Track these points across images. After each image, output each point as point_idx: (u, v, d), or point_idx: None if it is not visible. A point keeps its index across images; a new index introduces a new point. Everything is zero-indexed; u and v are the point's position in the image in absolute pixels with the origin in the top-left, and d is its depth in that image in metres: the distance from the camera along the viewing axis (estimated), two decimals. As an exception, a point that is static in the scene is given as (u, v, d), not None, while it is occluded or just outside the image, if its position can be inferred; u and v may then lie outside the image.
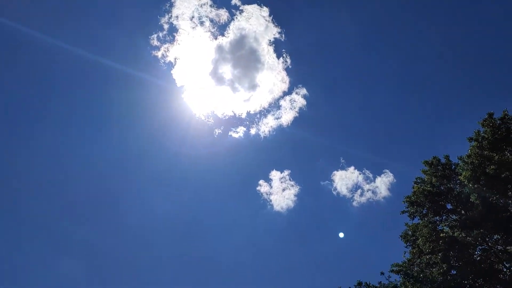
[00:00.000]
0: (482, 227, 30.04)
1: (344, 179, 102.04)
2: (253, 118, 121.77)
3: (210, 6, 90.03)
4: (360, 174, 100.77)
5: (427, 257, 31.91)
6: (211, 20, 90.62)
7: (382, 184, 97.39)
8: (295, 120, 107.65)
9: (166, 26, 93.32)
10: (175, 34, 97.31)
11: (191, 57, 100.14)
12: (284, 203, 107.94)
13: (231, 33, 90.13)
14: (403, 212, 36.01)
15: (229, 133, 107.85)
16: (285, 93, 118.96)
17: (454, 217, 33.03)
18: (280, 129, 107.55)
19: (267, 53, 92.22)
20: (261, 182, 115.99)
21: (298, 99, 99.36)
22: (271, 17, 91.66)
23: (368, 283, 48.09)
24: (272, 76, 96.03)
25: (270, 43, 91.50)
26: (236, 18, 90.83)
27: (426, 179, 34.70)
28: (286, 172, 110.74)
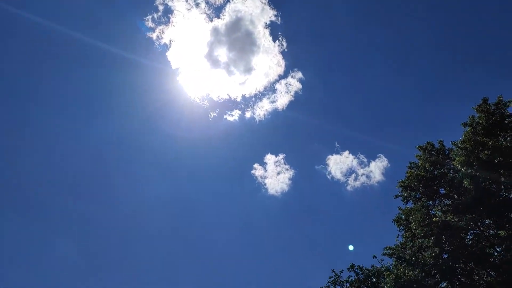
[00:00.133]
0: (474, 211, 30.37)
1: (338, 163, 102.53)
2: (248, 102, 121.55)
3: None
4: (354, 158, 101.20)
5: (420, 241, 32.27)
6: (207, 2, 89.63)
7: (377, 168, 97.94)
8: (291, 104, 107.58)
9: (161, 8, 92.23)
10: (170, 15, 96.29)
11: (186, 39, 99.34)
12: (279, 186, 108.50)
13: (227, 15, 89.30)
14: (396, 196, 36.37)
15: (224, 117, 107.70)
16: (281, 77, 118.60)
17: (447, 201, 33.36)
18: (275, 113, 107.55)
19: (263, 36, 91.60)
20: (255, 165, 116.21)
21: (294, 82, 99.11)
22: (267, 0, 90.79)
23: (360, 266, 48.66)
24: (268, 59, 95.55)
25: (266, 26, 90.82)
26: (232, 0, 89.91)
27: (420, 164, 34.91)
28: (281, 156, 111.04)
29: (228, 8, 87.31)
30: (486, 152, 30.55)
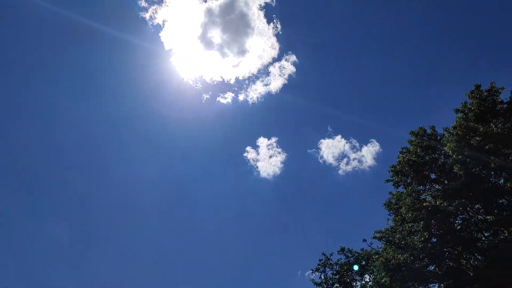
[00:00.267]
0: (464, 197, 30.70)
1: (330, 148, 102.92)
2: (241, 84, 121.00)
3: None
4: (347, 142, 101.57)
5: (409, 225, 32.62)
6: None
7: (368, 153, 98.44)
8: (284, 87, 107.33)
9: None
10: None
11: (179, 19, 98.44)
12: (271, 170, 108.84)
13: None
14: (387, 181, 36.58)
15: (217, 99, 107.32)
16: (275, 60, 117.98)
17: (437, 186, 33.65)
18: (268, 96, 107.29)
19: (257, 18, 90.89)
20: (248, 148, 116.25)
21: (288, 66, 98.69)
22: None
23: (350, 249, 49.29)
24: (262, 41, 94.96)
25: (261, 7, 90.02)
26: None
27: (411, 149, 35.11)
28: (273, 139, 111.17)
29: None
30: (477, 138, 30.81)
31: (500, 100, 32.14)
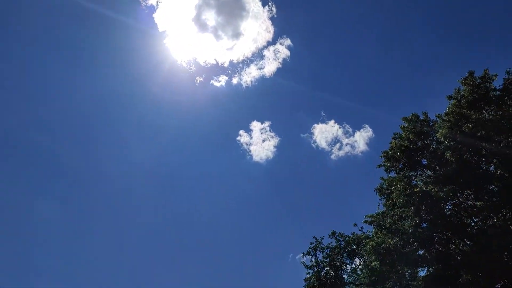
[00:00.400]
0: (454, 183, 30.97)
1: (324, 132, 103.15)
2: (235, 67, 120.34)
3: None
4: (340, 127, 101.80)
5: (400, 210, 32.91)
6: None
7: (361, 138, 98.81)
8: (278, 71, 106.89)
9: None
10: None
11: (173, 1, 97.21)
12: (264, 154, 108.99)
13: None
14: (379, 166, 36.75)
15: (211, 82, 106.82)
16: (269, 43, 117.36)
17: (428, 172, 33.90)
18: (262, 80, 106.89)
19: (253, 1, 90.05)
20: (241, 132, 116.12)
21: (282, 49, 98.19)
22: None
23: (341, 233, 49.68)
24: (257, 25, 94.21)
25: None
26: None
27: (403, 135, 35.25)
28: (266, 123, 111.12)
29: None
30: (469, 125, 30.98)
31: (493, 87, 32.25)
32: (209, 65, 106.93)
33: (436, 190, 31.50)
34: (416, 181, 34.27)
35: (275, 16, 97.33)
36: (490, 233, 28.35)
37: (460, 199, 32.74)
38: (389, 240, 33.10)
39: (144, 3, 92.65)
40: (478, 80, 32.45)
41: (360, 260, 47.43)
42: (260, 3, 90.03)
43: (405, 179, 33.57)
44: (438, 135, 32.31)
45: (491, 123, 30.26)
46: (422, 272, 36.06)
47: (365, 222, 37.24)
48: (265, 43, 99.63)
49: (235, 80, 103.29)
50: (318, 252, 49.28)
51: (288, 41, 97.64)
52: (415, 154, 34.33)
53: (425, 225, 32.14)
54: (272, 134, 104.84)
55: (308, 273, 49.02)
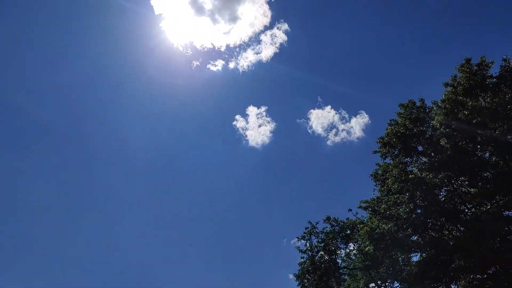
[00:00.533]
0: (449, 169, 31.13)
1: (320, 118, 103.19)
2: (232, 52, 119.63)
3: None
4: (336, 113, 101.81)
5: (395, 196, 33.11)
6: None
7: (357, 125, 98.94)
8: (275, 56, 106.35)
9: None
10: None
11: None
12: (260, 139, 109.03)
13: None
14: (375, 152, 36.72)
15: (207, 66, 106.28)
16: (266, 28, 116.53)
17: (424, 159, 34.02)
18: (259, 64, 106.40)
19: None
20: (237, 117, 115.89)
21: (279, 34, 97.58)
22: None
23: (336, 218, 50.10)
24: (254, 9, 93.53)
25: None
26: None
27: (400, 122, 35.24)
28: (263, 108, 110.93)
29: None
30: (465, 112, 31.04)
31: (489, 74, 32.22)
32: (205, 49, 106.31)
33: (431, 176, 31.68)
34: (411, 167, 34.42)
35: (273, 0, 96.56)
36: (483, 219, 28.63)
37: (455, 186, 32.96)
38: (383, 225, 33.38)
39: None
40: (475, 67, 32.41)
41: (354, 245, 47.94)
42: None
43: (400, 166, 33.71)
44: (434, 122, 32.37)
45: (487, 110, 30.32)
46: (416, 257, 36.53)
47: (360, 207, 37.47)
48: (262, 28, 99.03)
49: (231, 65, 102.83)
50: (313, 237, 49.79)
51: (285, 26, 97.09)
52: (411, 141, 34.40)
53: (419, 211, 32.38)
54: (268, 119, 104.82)
55: (303, 257, 49.59)
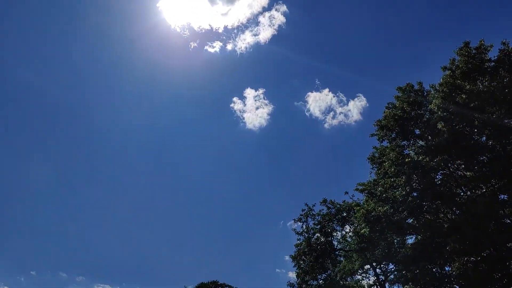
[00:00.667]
0: (446, 153, 31.21)
1: (318, 101, 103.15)
2: (230, 33, 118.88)
3: None
4: (334, 96, 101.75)
5: (391, 179, 33.26)
6: None
7: (355, 108, 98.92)
8: (273, 38, 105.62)
9: None
10: None
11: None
12: (257, 121, 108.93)
13: None
14: (372, 135, 36.65)
15: (205, 47, 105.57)
16: (265, 9, 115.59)
17: (421, 142, 34.08)
18: (257, 46, 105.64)
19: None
20: (235, 99, 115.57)
21: (278, 16, 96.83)
22: None
23: (332, 200, 50.41)
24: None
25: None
26: None
27: (397, 105, 35.19)
28: (260, 91, 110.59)
29: None
30: (463, 96, 31.02)
31: (488, 58, 32.09)
32: (203, 31, 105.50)
33: (427, 160, 31.78)
34: (408, 150, 34.50)
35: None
36: (478, 202, 28.84)
37: (451, 169, 33.12)
38: (379, 208, 33.61)
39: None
40: (474, 51, 32.26)
41: (350, 227, 48.35)
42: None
43: (397, 149, 33.80)
44: (431, 105, 32.34)
45: (485, 94, 30.31)
46: (411, 240, 36.89)
47: (357, 190, 37.67)
48: (260, 9, 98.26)
49: (229, 46, 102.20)
50: (309, 219, 50.17)
51: (284, 8, 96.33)
52: (408, 124, 34.41)
53: (415, 194, 32.58)
54: (266, 101, 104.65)
55: (299, 239, 50.01)
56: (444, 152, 31.31)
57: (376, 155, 36.34)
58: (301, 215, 50.32)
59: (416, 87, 35.58)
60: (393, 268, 42.06)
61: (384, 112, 35.75)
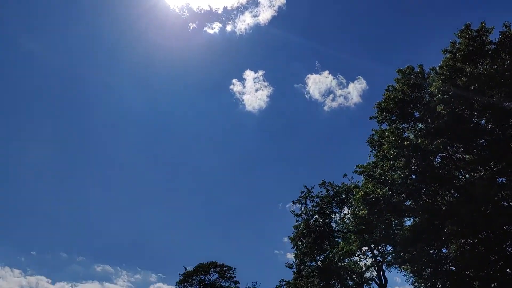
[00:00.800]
0: (445, 136, 31.21)
1: (317, 83, 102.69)
2: (229, 14, 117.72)
3: None
4: (334, 79, 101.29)
5: (391, 162, 33.33)
6: None
7: (355, 90, 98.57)
8: (273, 19, 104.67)
9: None
10: None
11: None
12: (256, 103, 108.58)
13: None
14: (372, 117, 36.49)
15: (204, 29, 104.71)
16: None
17: (420, 125, 34.03)
18: (257, 28, 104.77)
19: None
20: (234, 81, 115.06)
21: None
22: None
23: (331, 182, 50.57)
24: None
25: None
26: None
27: (397, 87, 35.04)
28: (260, 73, 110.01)
29: None
30: (463, 78, 30.88)
31: (489, 40, 31.85)
32: (202, 11, 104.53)
33: (426, 142, 31.80)
34: (408, 133, 34.47)
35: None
36: (476, 185, 28.93)
37: (450, 152, 33.17)
38: (378, 190, 33.78)
39: None
40: (475, 33, 32.01)
41: (348, 209, 48.63)
42: None
43: (396, 131, 33.80)
44: (431, 88, 32.23)
45: (485, 77, 30.15)
46: (409, 222, 37.15)
47: (356, 172, 37.73)
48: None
49: (229, 28, 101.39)
50: (308, 201, 50.37)
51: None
52: (408, 107, 34.31)
53: (414, 176, 32.69)
54: (266, 83, 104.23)
55: (298, 221, 50.29)
56: (443, 135, 31.31)
57: (376, 137, 36.34)
58: (300, 197, 50.52)
59: (417, 69, 35.42)
60: (390, 249, 42.44)
61: (384, 95, 35.58)
